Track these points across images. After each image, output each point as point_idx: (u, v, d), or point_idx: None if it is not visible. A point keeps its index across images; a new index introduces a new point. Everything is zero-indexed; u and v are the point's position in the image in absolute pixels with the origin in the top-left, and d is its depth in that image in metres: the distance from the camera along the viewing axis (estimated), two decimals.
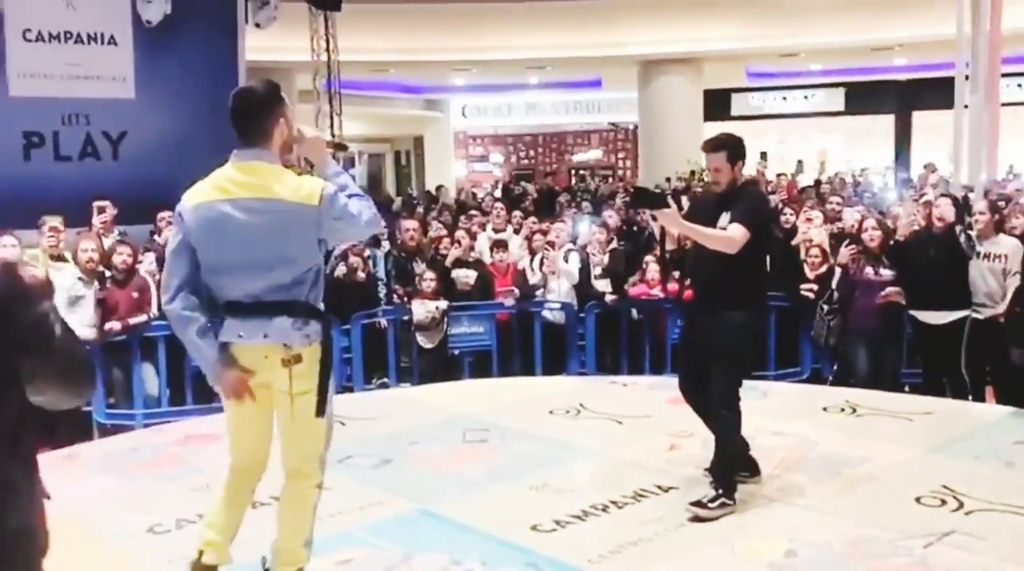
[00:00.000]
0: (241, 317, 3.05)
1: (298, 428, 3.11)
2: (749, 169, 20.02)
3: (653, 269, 7.65)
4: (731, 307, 4.20)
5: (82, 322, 6.46)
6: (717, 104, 21.27)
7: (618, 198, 11.68)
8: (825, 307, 6.83)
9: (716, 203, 4.38)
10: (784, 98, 23.45)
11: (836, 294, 6.76)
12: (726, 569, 3.55)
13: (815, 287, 7.06)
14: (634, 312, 7.77)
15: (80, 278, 6.57)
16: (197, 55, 11.09)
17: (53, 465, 4.84)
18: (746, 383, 6.46)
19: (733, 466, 4.31)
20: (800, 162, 19.53)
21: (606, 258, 7.90)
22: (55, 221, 7.12)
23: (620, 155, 26.09)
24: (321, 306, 3.13)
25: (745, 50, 18.08)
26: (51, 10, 10.29)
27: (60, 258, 6.91)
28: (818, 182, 16.62)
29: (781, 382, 6.91)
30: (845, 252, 6.77)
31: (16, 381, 1.76)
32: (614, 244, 8.26)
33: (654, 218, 4.58)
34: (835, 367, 7.04)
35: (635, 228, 9.28)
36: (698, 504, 4.09)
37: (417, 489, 4.53)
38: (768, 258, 4.99)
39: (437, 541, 3.85)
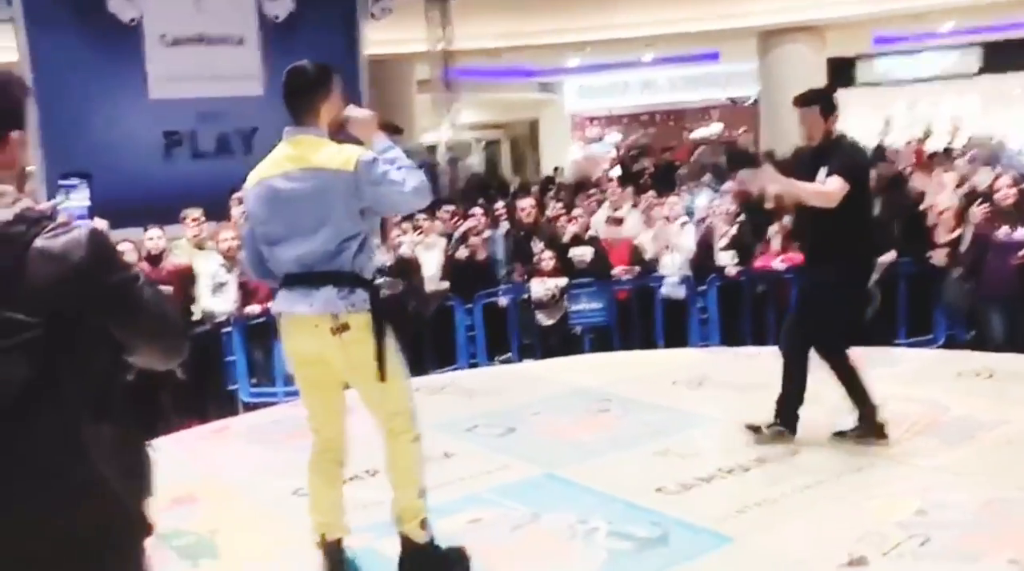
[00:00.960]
0: (292, 288, 3.15)
1: (372, 393, 3.19)
2: (871, 137, 19.38)
3: (777, 240, 7.56)
4: (828, 261, 4.23)
5: (226, 305, 6.91)
6: (841, 72, 20.53)
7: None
8: (958, 271, 6.61)
9: (812, 159, 4.36)
10: (913, 62, 22.44)
11: (967, 257, 6.53)
12: (853, 527, 3.52)
13: (946, 252, 6.84)
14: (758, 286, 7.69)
15: (222, 264, 6.99)
16: (320, 49, 11.48)
17: (205, 437, 5.22)
18: (877, 350, 6.40)
19: (789, 403, 4.53)
20: (928, 127, 18.65)
21: (733, 230, 7.80)
22: (196, 213, 7.58)
23: (743, 129, 25.52)
24: (369, 275, 3.17)
25: (871, 14, 17.36)
26: (183, 15, 10.87)
27: (203, 247, 7.34)
28: (948, 149, 15.88)
29: (913, 349, 6.72)
30: (977, 212, 6.53)
31: (106, 341, 1.78)
32: (741, 216, 8.13)
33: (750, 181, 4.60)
34: (970, 333, 6.81)
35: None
36: (755, 428, 4.46)
37: (542, 455, 4.65)
38: (867, 210, 4.92)
39: (564, 502, 3.96)
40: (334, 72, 3.33)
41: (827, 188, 4.17)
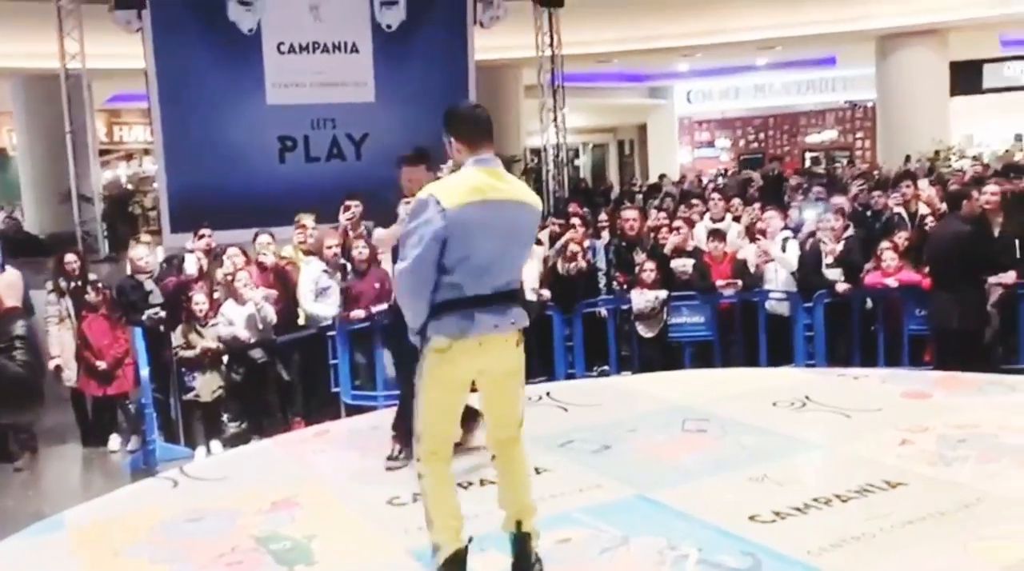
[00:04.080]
0: (492, 310, 3.27)
1: (519, 400, 3.46)
2: (1000, 145, 18.40)
3: (889, 256, 7.31)
4: None
5: (329, 309, 7.10)
6: (966, 76, 19.69)
7: (854, 184, 11.05)
8: None
9: None
10: None
11: None
12: (955, 569, 3.38)
13: None
14: (868, 301, 7.45)
15: (325, 270, 7.18)
16: (430, 57, 11.70)
17: (307, 440, 5.38)
18: (990, 376, 6.11)
19: None
20: None
21: (839, 246, 7.56)
22: (308, 219, 7.79)
23: (858, 135, 24.73)
24: None
25: (997, 17, 16.58)
26: (301, 23, 11.22)
27: (309, 253, 7.55)
28: None
29: None
30: None
31: None
32: (849, 230, 7.88)
33: None
34: None
35: (869, 213, 8.83)
36: None
37: (635, 475, 4.61)
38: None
39: (654, 526, 3.93)
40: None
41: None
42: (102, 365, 7.12)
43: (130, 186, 18.97)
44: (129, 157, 22.11)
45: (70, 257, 7.49)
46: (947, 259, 6.67)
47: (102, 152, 16.42)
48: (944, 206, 7.63)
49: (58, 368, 7.16)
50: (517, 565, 3.44)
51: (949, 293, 6.64)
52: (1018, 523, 3.81)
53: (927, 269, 7.02)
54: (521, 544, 3.44)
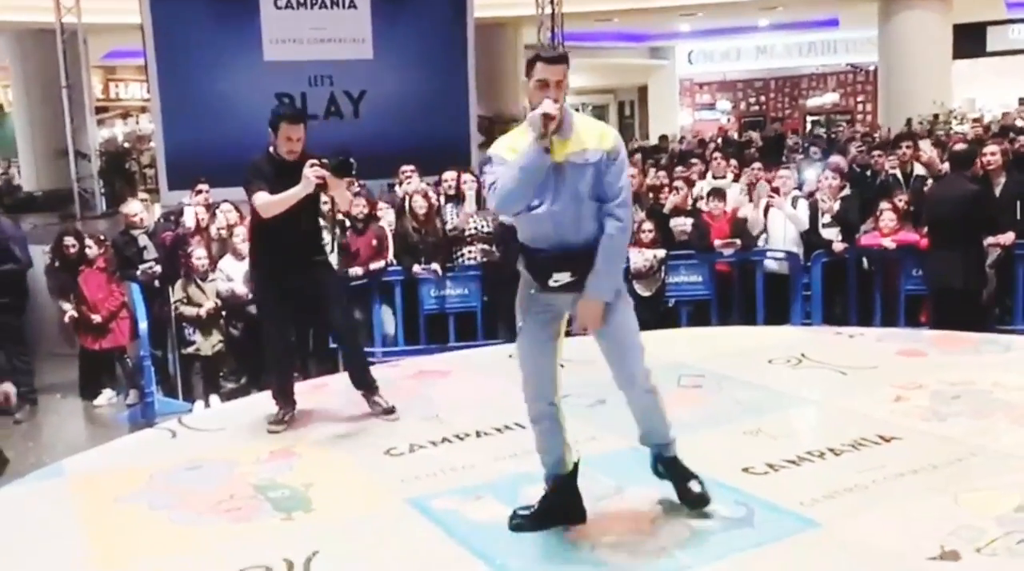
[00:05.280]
0: None
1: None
2: (1002, 109, 18.23)
3: (888, 217, 7.30)
4: None
5: None
6: (969, 39, 19.53)
7: (853, 145, 11.06)
8: None
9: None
10: None
11: None
12: (948, 520, 3.41)
13: None
14: (864, 261, 7.46)
15: (323, 226, 7.15)
16: (429, 14, 11.59)
17: (304, 392, 5.40)
18: (986, 335, 6.14)
19: None
20: None
21: (836, 205, 7.56)
22: None
23: (859, 98, 24.59)
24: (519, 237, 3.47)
25: None
26: None
27: None
28: None
29: None
30: None
31: None
32: (846, 190, 7.88)
33: None
34: None
35: (867, 173, 8.81)
36: None
37: (630, 428, 4.62)
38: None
39: (649, 477, 3.93)
40: (535, 58, 3.31)
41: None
42: (97, 319, 7.13)
43: (127, 144, 18.86)
44: (126, 115, 21.97)
45: (69, 240, 7.44)
46: (952, 219, 6.60)
47: (98, 109, 16.31)
48: (946, 167, 7.59)
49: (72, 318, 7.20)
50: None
51: (951, 252, 6.61)
52: (1009, 475, 3.85)
53: (926, 229, 7.01)
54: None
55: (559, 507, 3.59)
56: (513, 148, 3.28)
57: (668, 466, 3.69)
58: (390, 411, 5.02)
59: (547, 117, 3.14)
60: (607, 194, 3.30)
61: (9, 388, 4.49)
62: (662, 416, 3.64)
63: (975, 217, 6.56)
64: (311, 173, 4.54)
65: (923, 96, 16.37)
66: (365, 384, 5.10)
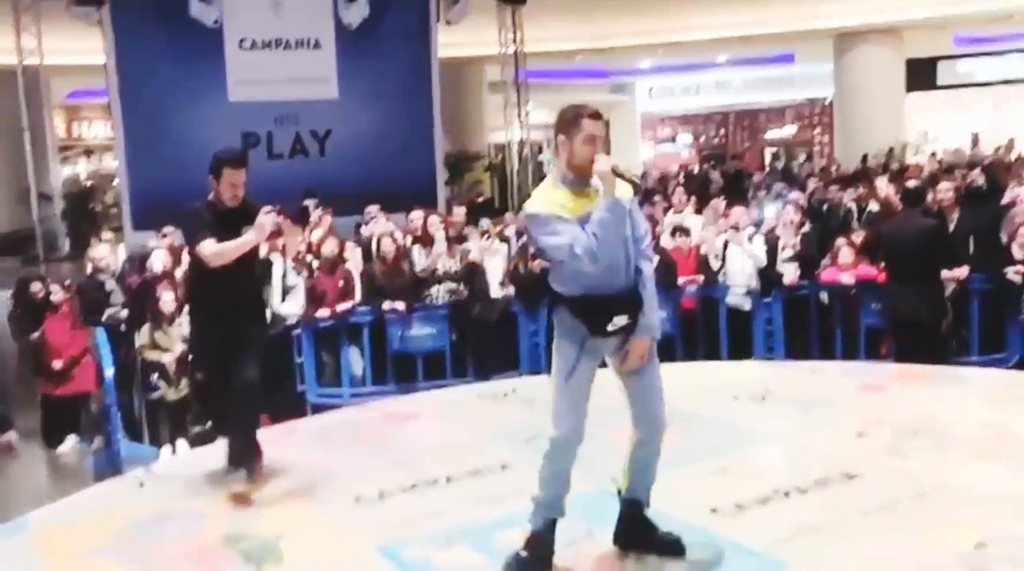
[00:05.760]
0: None
1: None
2: (956, 141, 18.60)
3: (845, 253, 7.45)
4: None
5: (295, 308, 7.10)
6: (921, 74, 20.05)
7: (811, 181, 11.28)
8: None
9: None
10: (998, 63, 21.71)
11: None
12: (911, 557, 3.48)
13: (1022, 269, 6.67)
14: (823, 296, 7.60)
15: (292, 268, 7.17)
16: (394, 54, 11.71)
17: (273, 439, 5.37)
18: (944, 369, 6.27)
19: None
20: (1011, 140, 17.89)
21: (797, 241, 7.71)
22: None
23: (817, 131, 25.11)
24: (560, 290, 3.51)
25: (951, 16, 16.93)
26: (262, 20, 11.17)
27: (273, 250, 7.53)
28: None
29: (985, 369, 6.57)
30: None
31: None
32: (806, 227, 8.04)
33: None
34: None
35: (825, 208, 9.00)
36: None
37: (599, 469, 4.66)
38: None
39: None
40: (577, 115, 3.50)
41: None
42: (57, 364, 7.06)
43: (90, 183, 18.70)
44: (89, 153, 21.80)
45: (36, 285, 7.40)
46: (911, 253, 6.71)
47: (62, 148, 16.18)
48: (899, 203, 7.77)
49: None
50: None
51: (910, 287, 6.72)
52: (968, 509, 3.94)
53: (883, 264, 7.16)
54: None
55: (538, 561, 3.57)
56: (560, 204, 3.35)
57: (646, 518, 3.74)
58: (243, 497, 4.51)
59: (615, 171, 3.31)
60: (637, 234, 3.47)
61: (11, 436, 4.36)
62: (656, 468, 3.72)
63: (934, 251, 6.70)
64: (268, 221, 4.37)
65: (878, 128, 16.79)
66: (236, 455, 4.62)
